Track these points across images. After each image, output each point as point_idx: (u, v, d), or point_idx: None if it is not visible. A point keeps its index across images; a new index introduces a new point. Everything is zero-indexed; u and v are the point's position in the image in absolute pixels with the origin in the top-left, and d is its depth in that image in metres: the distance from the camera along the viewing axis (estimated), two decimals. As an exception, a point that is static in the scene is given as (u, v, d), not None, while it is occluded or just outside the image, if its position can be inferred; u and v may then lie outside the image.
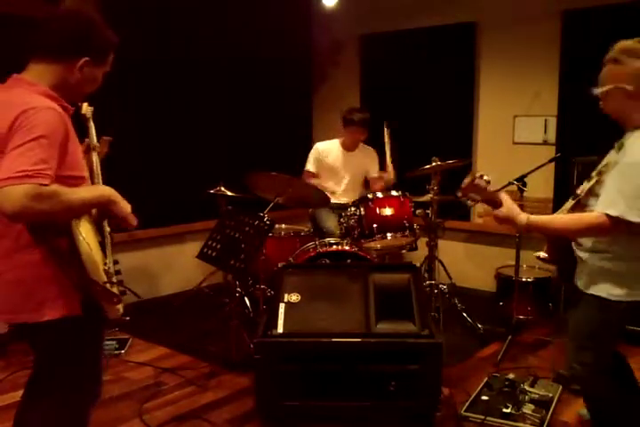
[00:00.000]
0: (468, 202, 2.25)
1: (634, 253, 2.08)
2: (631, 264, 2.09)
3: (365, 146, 4.53)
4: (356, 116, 4.27)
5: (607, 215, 1.96)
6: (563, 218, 2.14)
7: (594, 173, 2.19)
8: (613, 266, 2.09)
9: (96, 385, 2.03)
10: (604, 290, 2.11)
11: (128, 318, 1.91)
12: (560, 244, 2.28)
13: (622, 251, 2.08)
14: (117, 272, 1.94)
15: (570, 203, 2.25)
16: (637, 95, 2.04)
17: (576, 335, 2.28)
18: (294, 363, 2.71)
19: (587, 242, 2.16)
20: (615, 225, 1.95)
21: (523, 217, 2.11)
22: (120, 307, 1.81)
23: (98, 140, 2.10)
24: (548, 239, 2.38)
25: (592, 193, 2.15)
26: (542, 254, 2.37)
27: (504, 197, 2.18)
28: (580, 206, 2.19)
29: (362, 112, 4.33)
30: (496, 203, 2.18)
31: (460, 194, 2.23)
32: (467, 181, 2.18)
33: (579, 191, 2.23)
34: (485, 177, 2.17)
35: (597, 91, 2.14)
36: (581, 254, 2.19)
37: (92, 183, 1.96)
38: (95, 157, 2.04)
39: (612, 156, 2.15)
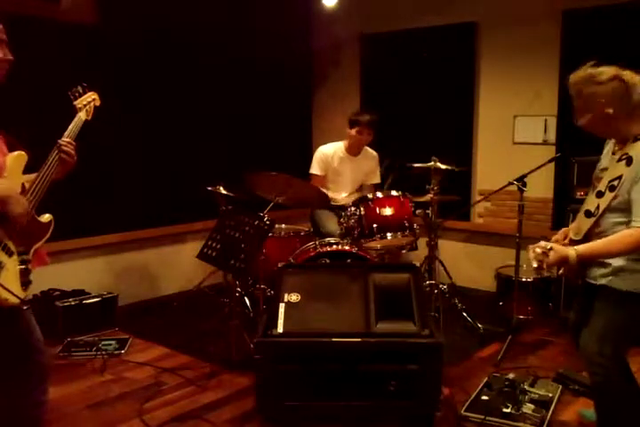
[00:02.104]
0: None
1: None
2: None
3: (369, 150, 4.49)
4: (364, 117, 4.25)
5: None
6: (608, 241, 2.17)
7: (602, 188, 2.21)
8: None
9: (30, 370, 2.07)
10: (634, 286, 2.17)
11: (26, 308, 1.94)
12: None
13: None
14: (26, 270, 1.97)
15: (587, 222, 2.27)
16: (618, 114, 2.14)
17: (602, 328, 2.29)
18: (294, 363, 2.71)
19: None
20: None
21: (572, 252, 2.14)
22: (8, 296, 1.82)
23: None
24: None
25: (609, 209, 2.19)
26: (561, 271, 2.41)
27: (546, 244, 2.20)
28: (597, 223, 2.23)
29: (370, 114, 4.31)
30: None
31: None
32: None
33: (592, 209, 2.25)
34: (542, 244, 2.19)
35: (581, 121, 2.23)
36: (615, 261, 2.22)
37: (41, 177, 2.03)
38: (54, 155, 2.08)
39: (619, 168, 2.18)
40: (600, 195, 2.22)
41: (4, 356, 2.01)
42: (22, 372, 2.06)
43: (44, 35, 3.93)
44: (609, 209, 2.19)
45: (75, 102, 2.25)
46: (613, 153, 2.27)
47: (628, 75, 2.15)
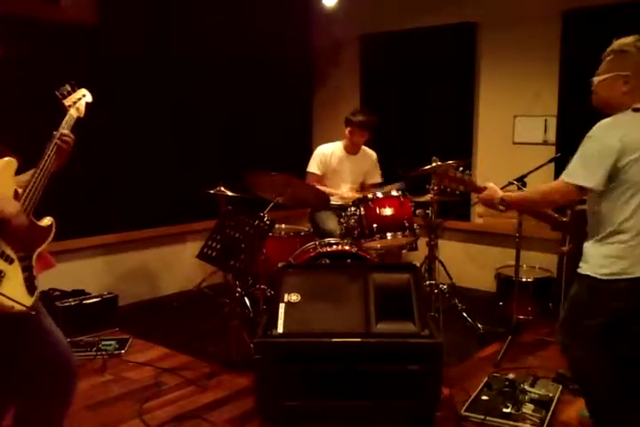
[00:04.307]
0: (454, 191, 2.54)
1: (614, 225, 2.16)
2: (614, 239, 2.17)
3: (368, 150, 4.49)
4: (357, 118, 4.22)
5: (565, 181, 2.18)
6: (532, 189, 2.37)
7: None
8: (601, 245, 2.21)
9: (54, 370, 2.07)
10: (592, 269, 2.20)
11: (34, 313, 1.91)
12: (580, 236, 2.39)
13: (608, 225, 2.19)
14: (30, 276, 1.94)
15: None
16: (632, 83, 2.17)
17: (569, 311, 2.37)
18: (294, 363, 2.71)
19: (590, 230, 2.27)
20: (573, 190, 2.16)
21: (500, 194, 2.40)
22: (13, 304, 1.80)
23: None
24: (570, 233, 2.55)
25: None
26: (565, 248, 2.52)
27: (489, 183, 2.48)
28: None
29: (364, 114, 4.26)
30: (480, 189, 2.49)
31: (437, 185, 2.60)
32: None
33: None
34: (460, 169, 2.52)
35: (596, 79, 2.28)
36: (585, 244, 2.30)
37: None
38: (51, 146, 2.04)
39: None
40: None
41: (25, 359, 2.01)
42: (48, 373, 2.05)
43: (44, 35, 3.93)
44: None
45: (63, 101, 2.20)
46: None
47: None
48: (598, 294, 2.20)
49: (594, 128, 2.17)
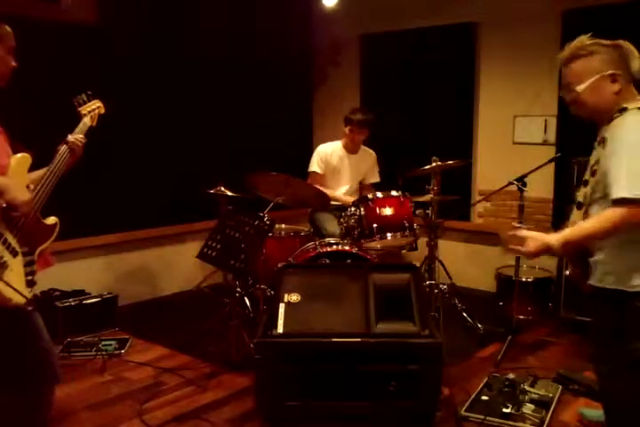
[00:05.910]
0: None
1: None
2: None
3: (367, 149, 4.51)
4: (356, 116, 4.25)
5: (630, 199, 1.83)
6: (591, 221, 2.00)
7: (587, 176, 2.12)
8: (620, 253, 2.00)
9: (41, 371, 2.10)
10: (616, 283, 2.01)
11: (30, 308, 1.94)
12: (580, 258, 2.17)
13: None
14: (32, 272, 1.99)
15: (579, 214, 2.13)
16: (621, 80, 2.01)
17: (599, 332, 2.15)
18: (294, 363, 2.71)
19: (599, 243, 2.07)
20: None
21: (552, 238, 2.00)
22: (12, 296, 1.82)
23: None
24: (569, 258, 2.28)
25: (592, 196, 2.07)
26: (569, 272, 2.34)
27: (523, 232, 2.10)
28: (587, 214, 2.09)
29: (363, 113, 4.30)
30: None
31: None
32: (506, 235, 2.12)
33: (581, 199, 2.14)
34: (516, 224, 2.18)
35: (579, 88, 2.06)
36: (599, 256, 2.08)
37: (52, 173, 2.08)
38: (62, 150, 2.15)
39: (598, 152, 2.08)
40: (586, 183, 2.12)
41: (14, 358, 2.02)
42: (34, 373, 2.07)
43: (45, 35, 3.92)
44: (592, 197, 2.06)
45: (79, 109, 2.32)
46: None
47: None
48: (633, 310, 1.97)
49: (631, 129, 1.92)
